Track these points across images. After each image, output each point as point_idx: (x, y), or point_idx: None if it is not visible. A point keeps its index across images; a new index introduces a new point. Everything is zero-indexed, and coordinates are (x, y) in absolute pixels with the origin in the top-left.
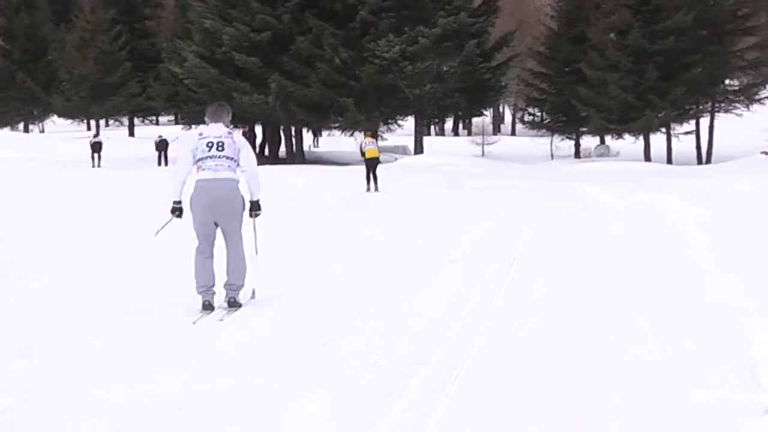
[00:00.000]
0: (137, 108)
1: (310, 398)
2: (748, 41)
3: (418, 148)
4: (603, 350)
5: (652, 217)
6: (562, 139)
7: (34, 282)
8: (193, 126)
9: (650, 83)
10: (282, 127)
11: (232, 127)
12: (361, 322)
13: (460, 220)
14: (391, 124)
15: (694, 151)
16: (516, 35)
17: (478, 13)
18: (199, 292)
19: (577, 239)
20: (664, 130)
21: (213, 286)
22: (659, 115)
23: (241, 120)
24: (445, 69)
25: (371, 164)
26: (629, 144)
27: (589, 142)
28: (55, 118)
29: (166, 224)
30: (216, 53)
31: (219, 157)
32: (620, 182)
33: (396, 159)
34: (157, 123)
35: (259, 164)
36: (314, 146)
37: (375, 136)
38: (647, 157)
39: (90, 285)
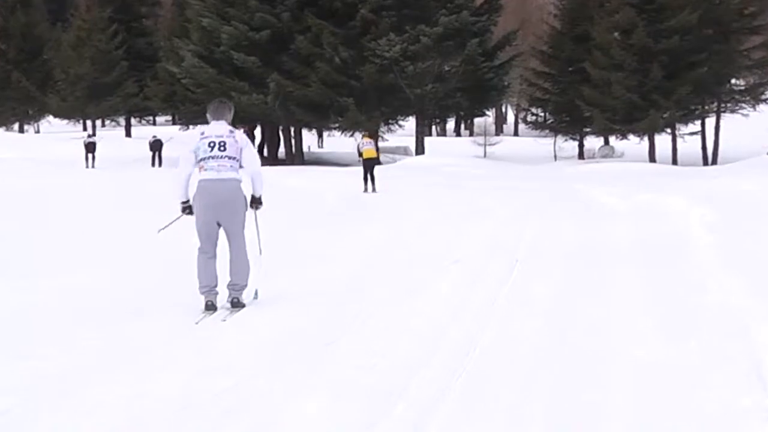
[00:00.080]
0: (134, 108)
1: (311, 399)
2: (754, 40)
3: (420, 149)
4: (605, 351)
5: (657, 218)
6: (566, 140)
7: (33, 282)
8: (191, 126)
9: (655, 83)
10: (281, 128)
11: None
12: (361, 323)
13: (461, 220)
14: (392, 124)
15: (700, 151)
16: (519, 34)
17: (480, 12)
18: (202, 293)
19: (579, 240)
20: (669, 130)
21: (216, 286)
22: (664, 115)
23: (241, 120)
24: (446, 68)
25: (369, 165)
26: (634, 145)
27: (592, 142)
28: (50, 118)
29: (171, 223)
30: (214, 52)
31: (221, 157)
32: (624, 183)
33: (395, 160)
34: (154, 123)
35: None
36: (319, 146)
37: (374, 136)
38: (652, 158)
39: (90, 285)
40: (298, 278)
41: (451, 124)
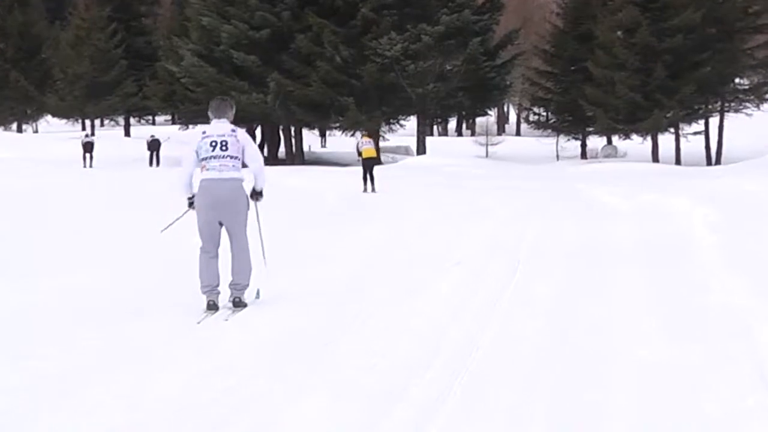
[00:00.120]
0: (133, 107)
1: (311, 399)
2: (758, 39)
3: (421, 149)
4: (607, 351)
5: (660, 218)
6: (568, 140)
7: (33, 282)
8: (191, 126)
9: (658, 82)
10: (281, 127)
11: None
12: (361, 323)
13: (462, 221)
14: (393, 124)
15: (703, 151)
16: (521, 33)
17: (482, 11)
18: (204, 292)
19: (582, 240)
20: (672, 130)
21: (218, 285)
22: (667, 114)
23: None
24: (448, 68)
25: (368, 164)
26: (637, 144)
27: (595, 142)
28: (49, 117)
29: (174, 222)
30: (214, 51)
31: (223, 156)
32: (627, 183)
33: (396, 160)
34: (153, 123)
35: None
36: (322, 146)
37: (374, 136)
38: (655, 158)
39: (90, 285)
40: (298, 278)
41: (452, 124)
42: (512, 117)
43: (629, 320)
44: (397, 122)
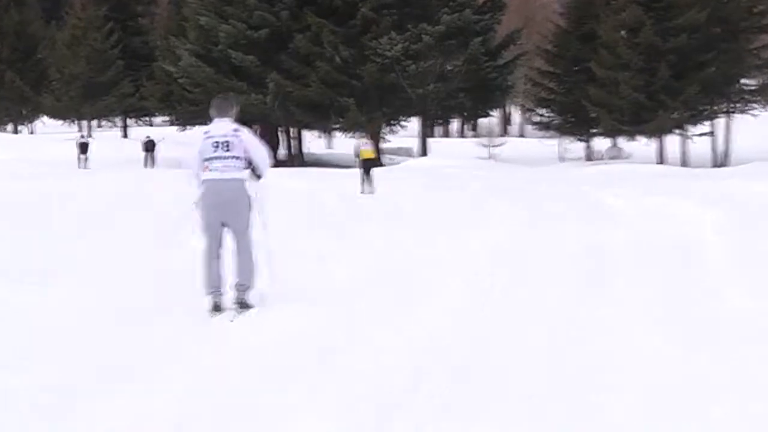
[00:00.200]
0: (130, 108)
1: (314, 407)
2: (763, 39)
3: (422, 150)
4: (615, 359)
5: (667, 221)
6: (572, 141)
7: (30, 290)
8: (188, 127)
9: (662, 82)
10: (281, 129)
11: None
12: (364, 328)
13: (464, 225)
14: (394, 125)
15: (710, 153)
16: (523, 33)
17: (483, 10)
18: (208, 294)
19: (586, 245)
20: (678, 131)
21: (222, 287)
22: (672, 115)
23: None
24: (449, 68)
25: (366, 166)
26: (642, 146)
27: (600, 144)
28: (45, 118)
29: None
30: (212, 51)
31: (225, 157)
32: (633, 185)
33: (392, 161)
34: (151, 124)
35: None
36: (328, 147)
37: (375, 137)
38: (661, 160)
39: (89, 289)
40: (300, 281)
41: (454, 125)
42: (515, 118)
43: (637, 326)
44: (398, 123)
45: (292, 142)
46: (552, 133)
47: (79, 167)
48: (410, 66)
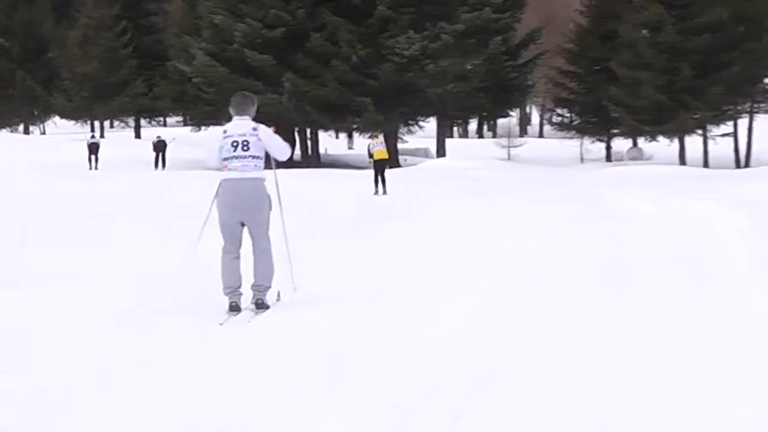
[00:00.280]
0: (143, 108)
1: (329, 413)
2: None
3: (441, 151)
4: (635, 365)
5: (689, 224)
6: (593, 142)
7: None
8: (203, 127)
9: (685, 82)
10: (297, 129)
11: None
12: (383, 332)
13: (484, 229)
14: (412, 125)
15: (732, 154)
16: (543, 32)
17: (503, 9)
18: (226, 294)
19: (608, 249)
20: (700, 132)
21: (240, 287)
22: (695, 116)
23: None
24: (468, 67)
25: (379, 166)
26: (663, 147)
27: (620, 144)
28: (56, 119)
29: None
30: (226, 50)
31: (244, 157)
32: (654, 187)
33: (407, 162)
34: (164, 124)
35: (268, 168)
36: (349, 147)
37: (392, 137)
38: (682, 161)
39: (110, 289)
40: (316, 284)
41: (473, 125)
42: (535, 118)
43: (658, 333)
44: (416, 123)
45: (308, 143)
46: (572, 133)
47: (90, 168)
48: (428, 65)
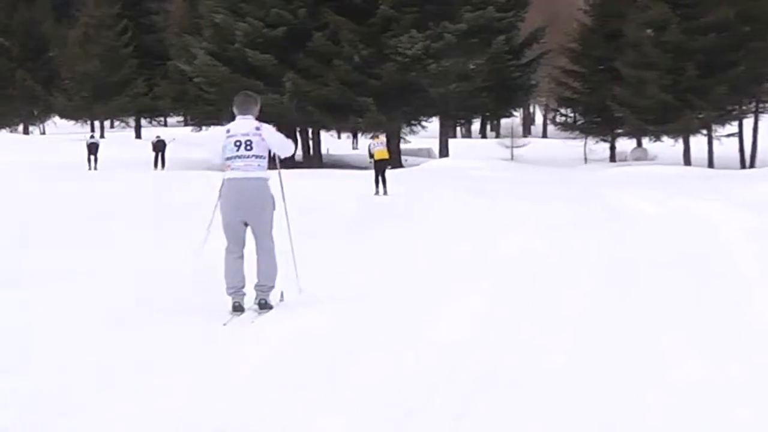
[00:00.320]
0: (144, 108)
1: (329, 414)
2: None
3: (443, 151)
4: (640, 368)
5: (695, 226)
6: (597, 142)
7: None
8: (204, 128)
9: (690, 82)
10: (299, 129)
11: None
12: (385, 332)
13: (486, 229)
14: (414, 125)
15: (737, 154)
16: (547, 31)
17: (506, 8)
18: (229, 294)
19: (612, 251)
20: (704, 132)
21: (243, 287)
22: (699, 116)
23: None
24: (471, 67)
25: (380, 166)
26: (668, 147)
27: (625, 144)
28: (56, 119)
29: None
30: (228, 50)
31: (248, 156)
32: (659, 188)
33: (407, 161)
34: (165, 124)
35: (272, 168)
36: (354, 147)
37: (395, 137)
38: (687, 161)
39: (112, 289)
40: (319, 285)
41: (476, 125)
42: (538, 118)
43: (661, 333)
44: (419, 123)
45: (310, 143)
46: (576, 133)
47: (89, 169)
48: (431, 65)
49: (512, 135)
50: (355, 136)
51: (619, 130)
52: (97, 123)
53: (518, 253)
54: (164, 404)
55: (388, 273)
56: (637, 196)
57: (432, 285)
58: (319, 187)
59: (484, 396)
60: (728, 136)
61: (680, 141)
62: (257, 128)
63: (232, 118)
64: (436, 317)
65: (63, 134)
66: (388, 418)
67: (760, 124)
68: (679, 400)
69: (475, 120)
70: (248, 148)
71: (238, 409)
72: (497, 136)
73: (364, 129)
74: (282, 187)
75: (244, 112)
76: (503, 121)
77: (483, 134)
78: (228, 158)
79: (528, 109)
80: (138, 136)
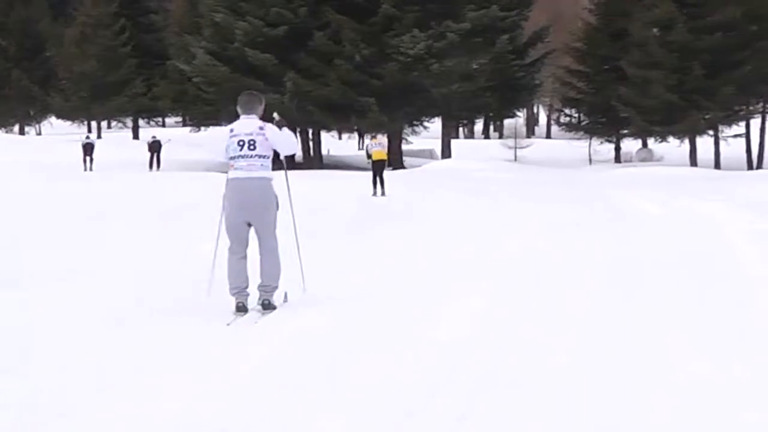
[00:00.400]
0: (142, 108)
1: (329, 414)
2: None
3: (446, 152)
4: (643, 370)
5: (699, 227)
6: (601, 143)
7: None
8: (203, 128)
9: (696, 82)
10: (299, 129)
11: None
12: (387, 333)
13: (489, 230)
14: (417, 125)
15: (744, 155)
16: (551, 30)
17: (510, 7)
18: (232, 294)
19: (615, 252)
20: (711, 132)
21: (246, 287)
22: (706, 116)
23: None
24: (474, 66)
25: (378, 167)
26: (674, 148)
27: (630, 145)
28: (52, 119)
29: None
30: (227, 49)
31: (251, 156)
32: (663, 189)
33: (409, 165)
34: (163, 125)
35: (273, 169)
36: (360, 148)
37: (399, 137)
38: (693, 162)
39: (114, 289)
40: (320, 286)
41: (479, 126)
42: (542, 119)
43: (665, 334)
44: (421, 124)
45: (310, 144)
46: (580, 134)
47: (84, 170)
48: (434, 65)
49: (515, 136)
50: (360, 137)
51: (625, 131)
52: (93, 123)
53: (521, 254)
54: (164, 404)
55: (389, 273)
56: (642, 196)
57: (432, 285)
58: (320, 188)
59: (484, 396)
60: (735, 136)
61: (686, 142)
62: (261, 128)
63: (236, 117)
64: (437, 317)
65: (59, 135)
66: (388, 419)
67: (767, 124)
68: (682, 401)
69: (478, 120)
70: (251, 147)
71: (238, 409)
72: (500, 136)
73: (366, 130)
74: (288, 188)
75: (248, 112)
76: (506, 122)
77: (486, 135)
78: (231, 158)
79: (532, 109)
80: (135, 136)
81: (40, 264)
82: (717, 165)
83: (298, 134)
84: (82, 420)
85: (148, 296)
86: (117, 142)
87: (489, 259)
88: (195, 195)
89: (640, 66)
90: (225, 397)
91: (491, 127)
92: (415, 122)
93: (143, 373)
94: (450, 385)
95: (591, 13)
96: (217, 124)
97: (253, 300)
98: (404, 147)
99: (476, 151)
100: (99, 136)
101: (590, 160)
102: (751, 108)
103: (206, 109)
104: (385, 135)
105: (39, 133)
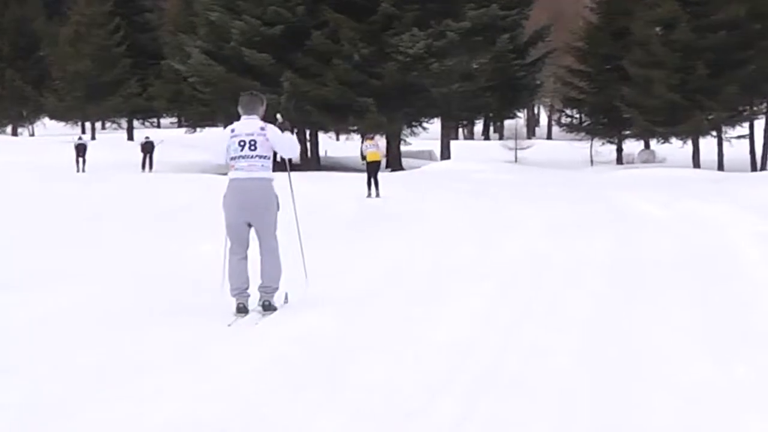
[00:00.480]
0: (137, 109)
1: (329, 416)
2: None
3: (445, 153)
4: (645, 372)
5: (702, 229)
6: (603, 144)
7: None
8: (198, 129)
9: (699, 82)
10: (296, 130)
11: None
12: (387, 334)
13: (489, 231)
14: (416, 126)
15: (748, 156)
16: (552, 29)
17: (510, 5)
18: (233, 295)
19: (617, 253)
20: (714, 133)
21: (247, 288)
22: (709, 116)
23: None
24: (474, 66)
25: (372, 168)
26: (676, 149)
27: (632, 146)
28: (45, 120)
29: None
30: (223, 49)
31: (251, 156)
32: (666, 190)
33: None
34: (158, 125)
35: (276, 171)
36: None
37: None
38: (696, 163)
39: (114, 290)
40: (320, 287)
41: (479, 127)
42: (543, 119)
43: (668, 335)
44: (420, 124)
45: (308, 145)
46: (581, 135)
47: (77, 171)
48: (433, 64)
49: (516, 136)
50: (363, 137)
51: (627, 132)
52: (87, 124)
53: (522, 255)
54: (164, 404)
55: (389, 274)
56: (644, 198)
57: (433, 286)
58: (318, 189)
59: (485, 397)
60: (739, 137)
61: (689, 143)
62: (262, 128)
63: (233, 117)
64: (437, 318)
65: (52, 136)
66: (388, 419)
67: None
68: (685, 402)
69: (477, 121)
70: (252, 148)
71: (238, 410)
72: (500, 137)
73: (364, 130)
74: (292, 190)
75: (249, 112)
76: (507, 123)
77: (486, 136)
78: (232, 158)
79: (532, 109)
80: (130, 138)
81: (38, 265)
82: (720, 167)
83: (295, 135)
84: (82, 420)
85: (148, 297)
86: (111, 144)
87: (489, 259)
88: (190, 197)
89: (642, 65)
90: (225, 397)
91: (491, 128)
92: (414, 123)
93: (143, 374)
94: (450, 386)
95: (592, 12)
96: (213, 124)
97: (253, 301)
98: (403, 148)
99: (476, 152)
100: (93, 137)
101: (592, 161)
102: (755, 108)
103: (202, 109)
104: (383, 136)
105: (32, 134)
